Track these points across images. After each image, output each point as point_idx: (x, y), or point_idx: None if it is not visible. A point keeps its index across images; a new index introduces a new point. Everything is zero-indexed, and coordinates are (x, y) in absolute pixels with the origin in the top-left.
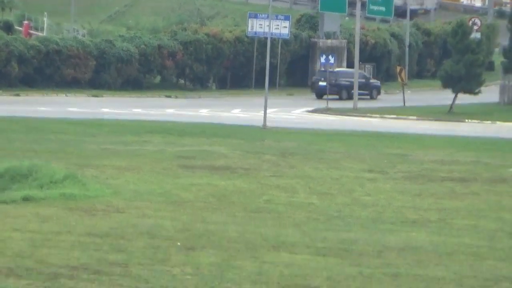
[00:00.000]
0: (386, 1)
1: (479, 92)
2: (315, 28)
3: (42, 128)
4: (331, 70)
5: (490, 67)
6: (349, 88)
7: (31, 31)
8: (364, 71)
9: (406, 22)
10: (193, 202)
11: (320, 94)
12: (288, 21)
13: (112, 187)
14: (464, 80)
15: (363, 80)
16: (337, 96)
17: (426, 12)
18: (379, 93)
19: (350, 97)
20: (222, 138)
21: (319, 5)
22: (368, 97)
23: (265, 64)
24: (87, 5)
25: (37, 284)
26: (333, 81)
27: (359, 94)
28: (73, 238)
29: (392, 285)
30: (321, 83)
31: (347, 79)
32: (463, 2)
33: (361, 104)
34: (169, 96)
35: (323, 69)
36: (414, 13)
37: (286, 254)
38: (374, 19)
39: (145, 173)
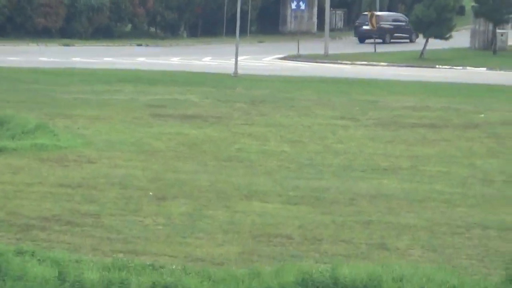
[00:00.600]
0: None
1: (450, 37)
2: None
3: (13, 78)
4: (376, 13)
5: (461, 11)
6: (392, 31)
7: None
8: (335, 17)
9: None
10: (165, 152)
11: (363, 38)
12: None
13: (83, 137)
14: (435, 25)
15: (403, 24)
16: (380, 40)
17: None
18: (417, 36)
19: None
20: (193, 87)
21: None
22: (408, 40)
23: (236, 10)
24: None
25: (9, 236)
26: (377, 25)
27: (400, 38)
28: (45, 189)
29: (363, 233)
30: (364, 27)
31: (389, 23)
32: None
33: (400, 47)
34: (140, 45)
35: (366, 13)
36: None
37: (257, 203)
38: None
39: (116, 122)
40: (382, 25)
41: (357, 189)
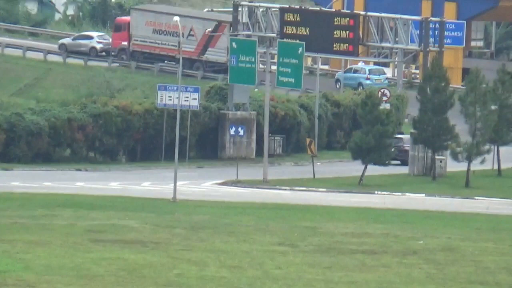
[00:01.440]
0: (295, 72)
1: (389, 163)
2: (225, 100)
3: None
4: (398, 135)
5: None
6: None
7: None
8: (274, 142)
9: (316, 93)
10: (104, 276)
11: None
12: (197, 93)
13: (22, 261)
14: (374, 152)
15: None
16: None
17: None
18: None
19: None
20: (132, 212)
21: (229, 76)
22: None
23: (175, 136)
24: None
25: None
26: (402, 147)
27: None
28: None
29: None
30: None
31: (407, 145)
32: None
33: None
34: (79, 169)
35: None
36: None
37: None
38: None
39: (55, 247)
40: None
41: None
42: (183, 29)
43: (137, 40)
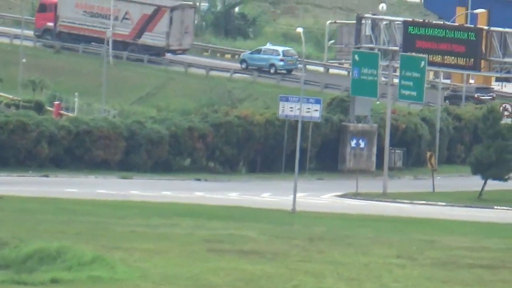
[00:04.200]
0: (417, 86)
1: (509, 178)
2: (346, 112)
3: (71, 209)
4: None
5: None
6: None
7: (62, 112)
8: (394, 156)
9: (437, 107)
10: (221, 287)
11: None
12: (319, 105)
13: (140, 270)
14: (494, 166)
15: None
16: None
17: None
18: None
19: None
20: (251, 222)
21: (350, 89)
22: None
23: (296, 147)
24: (118, 86)
25: None
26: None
27: None
28: None
29: None
30: None
31: None
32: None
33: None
34: (199, 179)
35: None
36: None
37: None
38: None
39: (173, 256)
40: None
41: None
42: (117, 11)
43: (64, 21)
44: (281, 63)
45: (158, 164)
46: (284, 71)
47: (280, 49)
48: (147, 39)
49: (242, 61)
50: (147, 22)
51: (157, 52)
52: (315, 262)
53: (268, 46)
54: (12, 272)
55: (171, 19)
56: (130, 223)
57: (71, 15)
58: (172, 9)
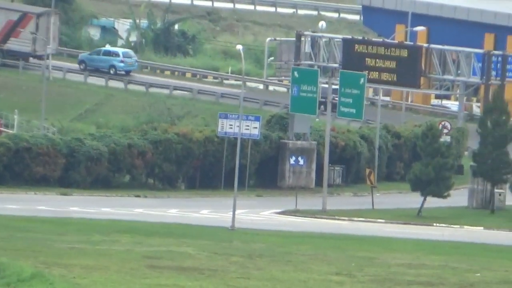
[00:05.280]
0: (357, 103)
1: (448, 195)
2: (285, 129)
3: (10, 226)
4: None
5: (460, 170)
6: None
7: (1, 129)
8: (334, 173)
9: (376, 124)
10: None
11: None
12: (258, 122)
13: (79, 286)
14: (433, 184)
15: None
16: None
17: None
18: None
19: None
20: (190, 239)
21: (290, 106)
22: None
23: (235, 164)
24: (58, 103)
25: None
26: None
27: None
28: None
29: None
30: None
31: None
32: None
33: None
34: (138, 196)
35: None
36: None
37: None
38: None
39: (112, 273)
40: None
41: None
42: None
43: None
44: (122, 64)
45: (98, 180)
46: (124, 72)
47: (120, 50)
48: (13, 44)
49: (81, 62)
50: (13, 28)
51: (22, 57)
52: (254, 279)
53: (107, 47)
54: None
55: (37, 25)
56: (70, 239)
57: None
58: (38, 15)
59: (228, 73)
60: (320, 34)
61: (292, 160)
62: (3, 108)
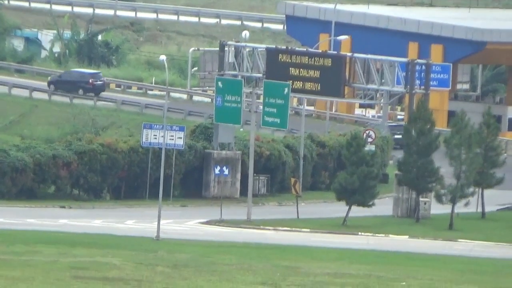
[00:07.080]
0: (281, 112)
1: (373, 204)
2: (210, 139)
3: None
4: None
5: (385, 179)
6: None
7: None
8: (258, 182)
9: (301, 134)
10: None
11: None
12: (182, 132)
13: None
14: (358, 193)
15: None
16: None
17: None
18: None
19: None
20: (115, 249)
21: (214, 116)
22: None
23: (160, 174)
24: None
25: None
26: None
27: None
28: None
29: None
30: None
31: None
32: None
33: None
34: (63, 206)
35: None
36: None
37: None
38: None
39: (38, 283)
40: None
41: None
42: None
43: None
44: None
45: (23, 191)
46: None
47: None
48: None
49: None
50: None
51: None
52: None
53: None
54: None
55: None
56: None
57: None
58: None
59: (152, 83)
60: (243, 44)
61: (216, 170)
62: None
